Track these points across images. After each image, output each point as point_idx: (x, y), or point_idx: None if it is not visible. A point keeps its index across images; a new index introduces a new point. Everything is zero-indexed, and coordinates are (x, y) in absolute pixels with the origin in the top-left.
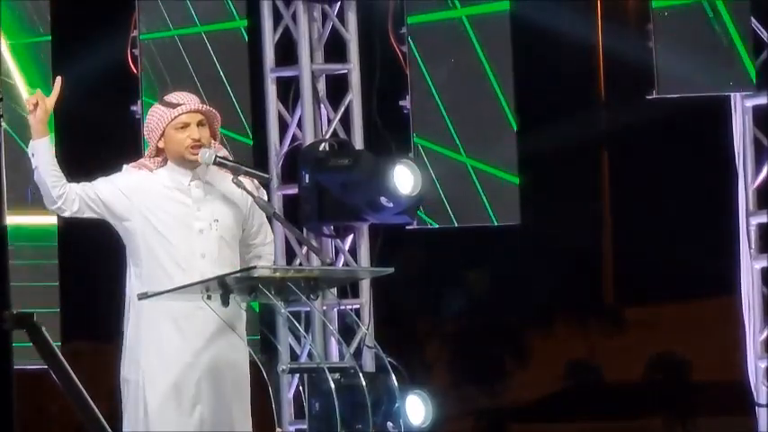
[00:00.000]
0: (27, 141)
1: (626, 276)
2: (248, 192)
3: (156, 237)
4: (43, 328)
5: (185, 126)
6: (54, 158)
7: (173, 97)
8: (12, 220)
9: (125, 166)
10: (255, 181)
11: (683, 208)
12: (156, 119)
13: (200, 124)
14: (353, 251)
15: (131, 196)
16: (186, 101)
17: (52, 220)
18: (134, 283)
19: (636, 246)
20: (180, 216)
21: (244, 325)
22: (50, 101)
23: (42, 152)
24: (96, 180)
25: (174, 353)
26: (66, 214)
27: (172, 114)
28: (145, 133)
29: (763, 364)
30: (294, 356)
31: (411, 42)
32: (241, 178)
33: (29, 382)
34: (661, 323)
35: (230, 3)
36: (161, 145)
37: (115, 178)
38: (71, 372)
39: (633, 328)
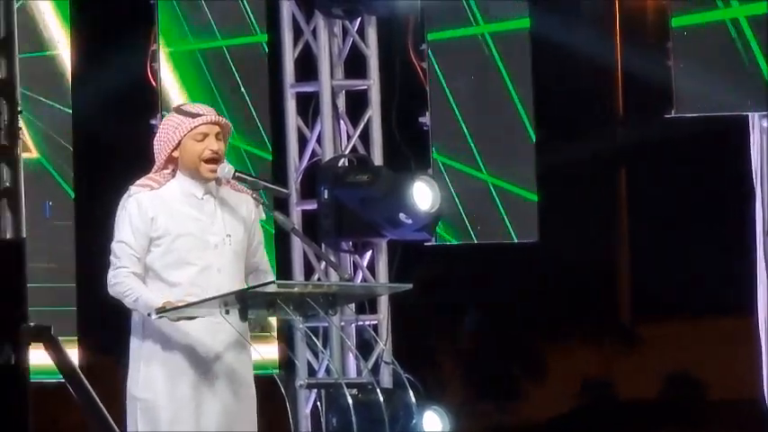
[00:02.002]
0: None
1: (643, 294)
2: (265, 207)
3: (173, 253)
4: (60, 342)
5: (204, 137)
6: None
7: (190, 107)
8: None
9: (131, 188)
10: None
11: (701, 226)
12: (172, 127)
13: (217, 137)
14: (372, 267)
15: (149, 228)
16: (206, 111)
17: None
18: None
19: (653, 263)
20: (196, 231)
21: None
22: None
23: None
24: (120, 239)
25: (189, 371)
26: None
27: (192, 124)
28: (156, 143)
29: None
30: (312, 372)
31: (431, 58)
32: (241, 194)
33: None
34: (677, 341)
35: (251, 17)
36: (175, 154)
37: (131, 220)
38: (88, 385)
39: (649, 346)
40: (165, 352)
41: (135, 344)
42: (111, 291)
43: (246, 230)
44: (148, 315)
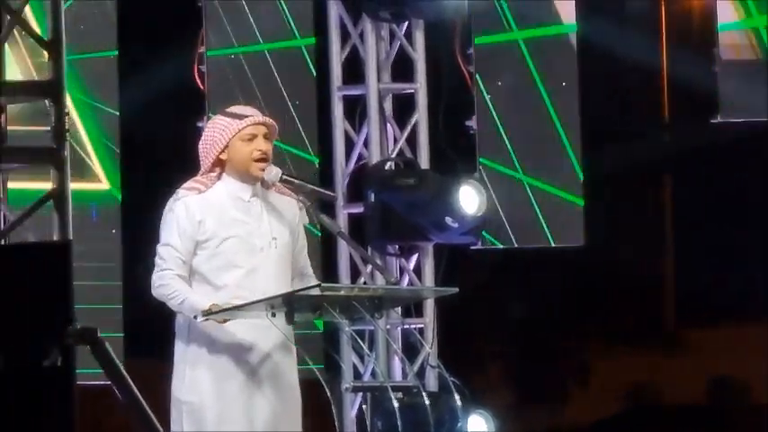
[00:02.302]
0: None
1: (687, 299)
2: (311, 212)
3: (219, 256)
4: (106, 343)
5: (252, 138)
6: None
7: (237, 109)
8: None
9: (178, 192)
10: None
11: (745, 232)
12: (219, 130)
13: (265, 137)
14: (418, 270)
15: (196, 232)
16: (252, 113)
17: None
18: None
19: (697, 268)
20: (242, 234)
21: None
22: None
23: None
24: (167, 242)
25: (236, 373)
26: None
27: (239, 125)
28: (202, 146)
29: None
30: (357, 375)
31: (477, 63)
32: (286, 197)
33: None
34: (722, 346)
35: (291, 22)
36: (223, 157)
37: (178, 223)
38: (133, 387)
39: (694, 351)
40: (211, 355)
41: (180, 347)
42: (156, 293)
43: (291, 234)
44: (194, 318)
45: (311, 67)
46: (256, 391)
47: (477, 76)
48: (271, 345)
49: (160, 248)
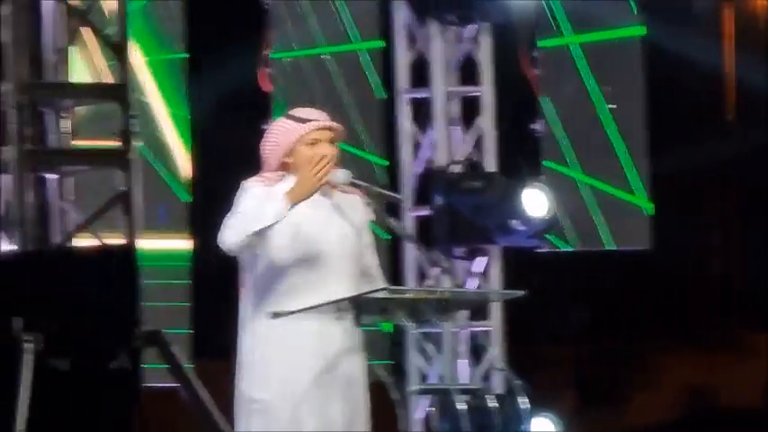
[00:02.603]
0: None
1: (752, 302)
2: (377, 213)
3: (289, 256)
4: (173, 346)
5: (315, 142)
6: None
7: (302, 112)
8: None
9: (246, 185)
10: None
11: None
12: (282, 133)
13: (330, 141)
14: (485, 273)
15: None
16: (317, 117)
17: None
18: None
19: (763, 272)
20: (311, 234)
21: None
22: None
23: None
24: (242, 207)
25: (305, 372)
26: (232, 253)
27: (303, 129)
28: (264, 149)
29: None
30: (424, 378)
31: (542, 66)
32: (350, 196)
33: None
34: None
35: (353, 25)
36: (288, 160)
37: (255, 194)
38: (200, 389)
39: (758, 355)
40: (280, 353)
41: (246, 343)
42: (228, 241)
43: (358, 233)
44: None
45: (372, 69)
46: (326, 390)
47: (547, 78)
48: (339, 345)
49: (230, 218)
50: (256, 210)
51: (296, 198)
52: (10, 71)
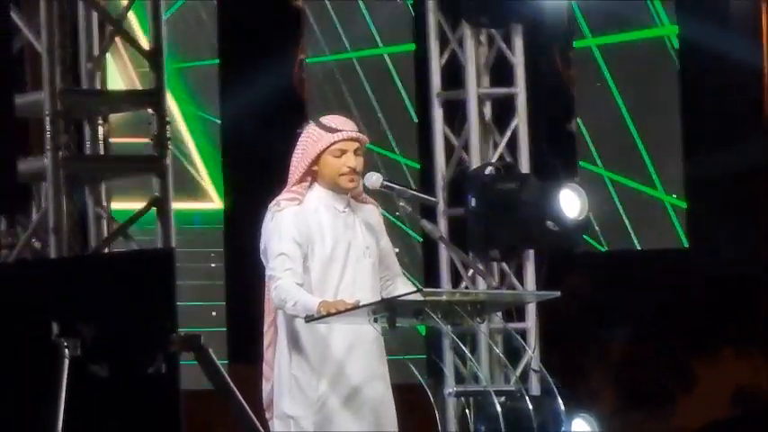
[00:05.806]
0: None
1: None
2: (411, 216)
3: (317, 266)
4: (210, 350)
5: (342, 153)
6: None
7: (330, 121)
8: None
9: (277, 213)
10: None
11: None
12: (312, 141)
13: (356, 152)
14: (520, 274)
15: (304, 241)
16: (345, 127)
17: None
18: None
19: None
20: (338, 245)
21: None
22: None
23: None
24: (281, 248)
25: (343, 386)
26: None
27: (331, 139)
28: (295, 156)
29: None
30: (460, 379)
31: (578, 66)
32: (366, 205)
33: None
34: None
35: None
36: (314, 168)
37: (288, 230)
38: (237, 393)
39: None
40: (317, 365)
41: (283, 356)
42: (275, 303)
43: (378, 241)
44: (306, 320)
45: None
46: (359, 398)
47: (583, 78)
48: (370, 354)
49: (273, 261)
50: (297, 296)
51: (326, 309)
52: (45, 79)
